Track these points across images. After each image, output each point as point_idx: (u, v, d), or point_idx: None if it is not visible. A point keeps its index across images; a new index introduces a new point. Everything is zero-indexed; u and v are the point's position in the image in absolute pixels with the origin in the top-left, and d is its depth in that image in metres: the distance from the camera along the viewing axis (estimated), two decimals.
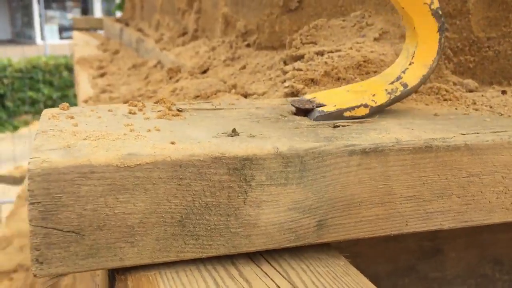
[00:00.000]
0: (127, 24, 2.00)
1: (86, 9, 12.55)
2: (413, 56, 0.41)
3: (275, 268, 0.33)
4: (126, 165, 0.29)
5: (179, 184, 0.30)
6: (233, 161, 0.31)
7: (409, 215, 0.36)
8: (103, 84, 1.02)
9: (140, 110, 0.40)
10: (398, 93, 0.40)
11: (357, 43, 0.56)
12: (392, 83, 0.41)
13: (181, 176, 0.30)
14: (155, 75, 0.92)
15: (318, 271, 0.33)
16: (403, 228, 0.36)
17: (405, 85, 0.40)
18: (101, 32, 2.77)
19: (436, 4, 0.41)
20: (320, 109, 0.39)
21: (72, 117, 0.37)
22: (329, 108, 0.39)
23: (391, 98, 0.40)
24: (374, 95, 0.40)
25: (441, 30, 0.41)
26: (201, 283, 0.31)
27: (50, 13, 12.00)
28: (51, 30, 11.01)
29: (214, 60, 0.75)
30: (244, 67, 0.65)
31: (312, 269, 0.34)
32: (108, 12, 6.59)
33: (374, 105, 0.40)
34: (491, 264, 0.57)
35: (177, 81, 0.72)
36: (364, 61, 0.53)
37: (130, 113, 0.39)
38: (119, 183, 0.29)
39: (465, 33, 0.56)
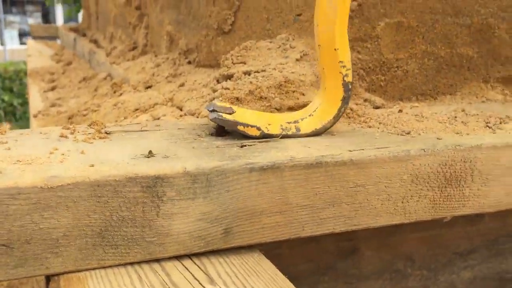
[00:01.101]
0: (84, 34, 2.02)
1: (47, 14, 12.32)
2: (315, 110, 0.47)
3: (195, 263, 0.38)
4: (49, 186, 0.34)
5: (98, 202, 0.35)
6: (146, 180, 0.36)
7: (305, 221, 0.41)
8: (53, 97, 1.05)
9: (72, 133, 0.44)
10: (289, 133, 0.46)
11: (281, 64, 0.62)
12: (289, 122, 0.47)
13: (99, 194, 0.35)
14: (103, 88, 0.95)
15: (233, 262, 0.39)
16: (301, 232, 0.41)
17: (297, 129, 0.47)
18: (59, 40, 2.77)
19: (349, 78, 0.47)
20: (222, 114, 0.44)
21: (6, 142, 0.41)
22: (227, 116, 0.45)
23: (282, 133, 0.46)
24: (269, 124, 0.46)
25: (344, 100, 0.47)
26: (126, 278, 0.36)
27: (10, 17, 11.74)
28: (11, 35, 10.78)
29: (158, 76, 0.80)
30: (183, 85, 0.70)
31: (228, 261, 0.39)
32: (69, 18, 6.52)
33: (265, 131, 0.45)
34: (403, 261, 0.63)
35: (121, 94, 0.77)
36: (285, 81, 0.58)
37: (61, 136, 0.44)
38: (43, 202, 0.34)
39: (375, 55, 0.62)
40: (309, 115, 0.49)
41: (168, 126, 0.48)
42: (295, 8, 0.65)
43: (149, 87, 0.77)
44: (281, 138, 0.45)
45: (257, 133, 0.44)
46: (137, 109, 0.65)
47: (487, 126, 0.52)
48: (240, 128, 0.44)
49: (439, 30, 0.65)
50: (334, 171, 0.41)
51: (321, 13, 0.47)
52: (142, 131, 0.46)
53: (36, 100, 1.05)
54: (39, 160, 0.37)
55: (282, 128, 0.46)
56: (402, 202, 0.44)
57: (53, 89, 1.13)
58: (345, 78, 0.48)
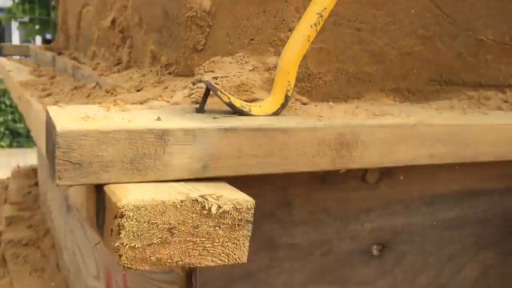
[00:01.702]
0: (59, 53, 2.23)
1: (2, 35, 12.26)
2: (262, 104, 0.74)
3: (184, 185, 0.63)
4: (105, 131, 0.58)
5: (130, 142, 0.60)
6: (158, 131, 0.61)
7: (252, 164, 0.67)
8: (51, 102, 1.27)
9: (108, 109, 0.69)
10: (245, 110, 0.73)
11: (238, 72, 0.88)
12: (246, 104, 0.73)
13: (131, 138, 0.60)
14: (96, 93, 1.19)
15: (208, 185, 0.63)
16: (249, 171, 0.67)
17: (250, 110, 0.73)
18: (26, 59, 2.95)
19: (290, 93, 0.75)
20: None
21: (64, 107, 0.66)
22: (213, 83, 0.70)
23: (240, 107, 0.72)
24: (234, 99, 0.72)
25: (283, 105, 0.75)
26: (146, 188, 0.60)
27: None
28: None
29: (145, 83, 1.05)
30: (166, 88, 0.95)
31: (204, 184, 0.64)
32: (27, 39, 6.66)
33: (232, 101, 0.71)
34: (323, 213, 0.90)
35: (116, 95, 1.01)
36: (241, 84, 0.85)
37: (103, 108, 0.68)
38: (101, 140, 0.58)
39: (304, 69, 0.90)
40: (259, 106, 0.76)
41: (165, 108, 0.74)
42: (249, 35, 0.92)
43: (139, 90, 1.02)
44: (238, 114, 0.71)
45: (227, 100, 0.70)
46: (134, 103, 0.89)
47: (372, 115, 0.80)
48: (219, 93, 0.70)
49: (349, 54, 0.93)
50: (270, 133, 0.67)
51: (288, 48, 0.74)
52: (149, 109, 0.71)
53: (36, 103, 1.27)
54: (98, 117, 0.62)
55: (241, 105, 0.72)
56: (313, 157, 0.71)
57: (48, 95, 1.35)
58: (287, 93, 0.75)
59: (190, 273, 0.85)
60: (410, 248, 0.96)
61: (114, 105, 0.70)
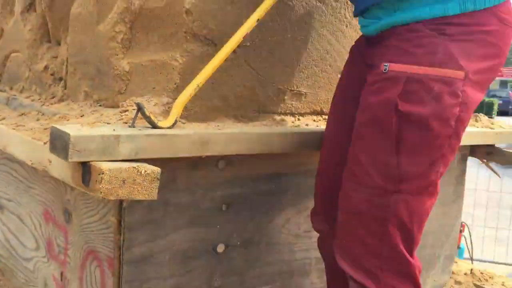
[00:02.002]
0: None
1: None
2: (163, 122, 1.46)
3: None
4: None
5: None
6: (116, 135, 1.29)
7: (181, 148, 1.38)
8: (9, 123, 1.83)
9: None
10: (155, 122, 1.44)
11: (147, 106, 1.59)
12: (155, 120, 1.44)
13: (103, 139, 1.27)
14: (45, 119, 1.79)
15: None
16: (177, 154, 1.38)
17: (157, 123, 1.44)
18: None
19: (178, 117, 1.46)
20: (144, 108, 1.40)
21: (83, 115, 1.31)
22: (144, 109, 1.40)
23: (149, 118, 1.43)
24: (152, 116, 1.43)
25: (174, 123, 1.47)
26: None
27: None
28: None
29: (85, 112, 1.70)
30: (102, 114, 1.62)
31: None
32: None
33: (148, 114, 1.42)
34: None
35: (69, 119, 1.65)
36: (150, 112, 1.55)
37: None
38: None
39: (186, 105, 1.63)
40: (162, 123, 1.47)
41: (114, 124, 1.41)
42: (152, 85, 1.63)
43: (82, 116, 1.67)
44: (152, 127, 1.41)
45: (148, 114, 1.39)
46: (88, 124, 1.55)
47: (218, 129, 1.55)
48: (145, 110, 1.38)
49: (206, 96, 1.68)
50: (167, 136, 1.38)
51: (181, 95, 1.46)
52: (106, 125, 1.39)
53: None
54: (84, 129, 1.28)
55: (154, 121, 1.42)
56: (188, 150, 1.43)
57: (3, 119, 1.90)
58: (177, 117, 1.45)
59: (120, 220, 1.51)
60: (243, 206, 1.72)
61: (91, 124, 1.37)
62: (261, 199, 1.66)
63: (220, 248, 1.61)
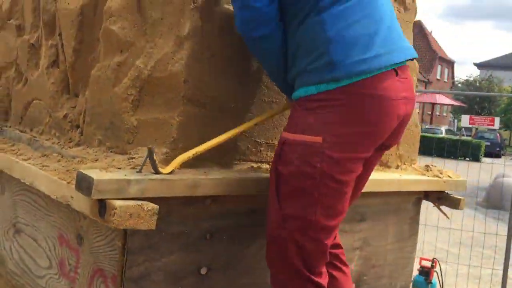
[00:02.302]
0: (1, 128, 3.11)
1: None
2: (164, 169, 1.88)
3: None
4: None
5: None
6: (127, 180, 1.69)
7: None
8: (36, 163, 2.22)
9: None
10: (160, 170, 1.84)
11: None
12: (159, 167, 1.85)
13: (118, 182, 1.67)
14: (67, 160, 2.19)
15: None
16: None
17: (159, 170, 1.85)
18: None
19: (176, 167, 1.88)
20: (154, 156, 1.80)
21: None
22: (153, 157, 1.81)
23: (156, 166, 1.84)
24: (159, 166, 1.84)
25: (172, 172, 1.88)
26: None
27: None
28: None
29: (99, 156, 2.10)
30: (113, 159, 2.03)
31: None
32: None
33: (155, 163, 1.82)
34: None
35: (86, 163, 2.06)
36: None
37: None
38: None
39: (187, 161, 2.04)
40: (164, 169, 1.87)
41: (124, 170, 1.82)
42: (154, 138, 2.04)
43: (97, 160, 2.07)
44: (155, 173, 1.81)
45: (155, 163, 1.80)
46: (102, 168, 1.95)
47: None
48: (155, 156, 1.79)
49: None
50: (166, 181, 1.78)
51: (179, 158, 1.88)
52: (119, 170, 1.79)
53: (22, 162, 2.21)
54: (102, 174, 1.68)
55: (158, 168, 1.82)
56: (181, 192, 1.84)
57: (28, 159, 2.29)
58: (174, 168, 1.87)
59: (124, 244, 1.90)
60: (224, 236, 2.10)
61: (106, 168, 1.77)
62: (240, 230, 2.04)
63: (203, 271, 2.00)
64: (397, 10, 2.61)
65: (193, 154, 1.80)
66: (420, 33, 54.93)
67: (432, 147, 7.07)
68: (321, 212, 1.63)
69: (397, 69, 1.63)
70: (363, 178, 1.82)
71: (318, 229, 1.66)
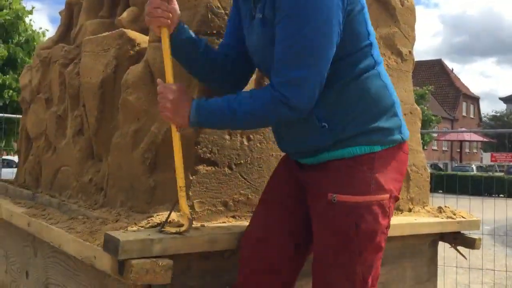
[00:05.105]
0: (27, 188, 3.32)
1: None
2: (180, 228, 2.02)
3: None
4: None
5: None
6: (151, 239, 1.83)
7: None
8: (63, 226, 2.39)
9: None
10: (177, 230, 1.98)
11: (172, 213, 2.15)
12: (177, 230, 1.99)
13: (141, 243, 1.81)
14: (92, 221, 2.35)
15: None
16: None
17: (179, 232, 1.99)
18: None
19: (189, 227, 2.02)
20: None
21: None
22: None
23: (176, 228, 1.97)
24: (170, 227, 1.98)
25: (187, 230, 2.02)
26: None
27: None
28: None
29: (119, 216, 2.25)
30: (134, 218, 2.18)
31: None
32: None
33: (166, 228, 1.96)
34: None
35: (108, 224, 2.21)
36: (172, 219, 2.11)
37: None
38: None
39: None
40: (180, 230, 2.01)
41: (146, 230, 1.96)
42: (173, 197, 2.19)
43: (117, 221, 2.22)
44: (176, 233, 1.95)
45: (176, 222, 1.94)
46: (121, 228, 2.10)
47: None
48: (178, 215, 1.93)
49: None
50: (182, 237, 1.92)
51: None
52: (141, 230, 1.94)
53: (52, 227, 2.38)
54: (123, 235, 1.83)
55: (174, 231, 1.96)
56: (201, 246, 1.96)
57: (57, 222, 2.46)
58: (188, 229, 2.01)
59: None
60: None
61: (125, 230, 1.92)
62: None
63: None
64: (395, 62, 2.76)
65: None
66: (442, 71, 54.98)
67: (467, 185, 6.98)
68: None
69: None
70: None
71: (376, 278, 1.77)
